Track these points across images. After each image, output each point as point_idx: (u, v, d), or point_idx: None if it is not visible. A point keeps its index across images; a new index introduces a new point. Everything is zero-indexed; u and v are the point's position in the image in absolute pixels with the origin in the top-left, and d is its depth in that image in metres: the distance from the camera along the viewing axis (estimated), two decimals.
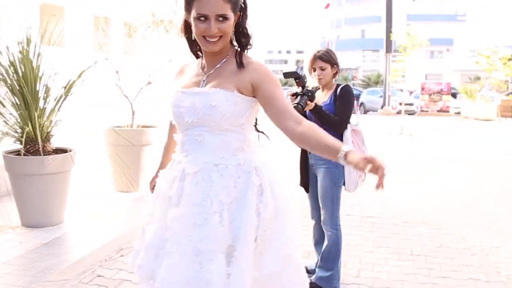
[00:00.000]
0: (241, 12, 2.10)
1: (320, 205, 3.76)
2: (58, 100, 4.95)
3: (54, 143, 5.17)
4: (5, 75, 4.73)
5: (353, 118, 3.79)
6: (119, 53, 7.76)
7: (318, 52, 3.75)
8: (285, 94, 2.36)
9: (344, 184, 3.74)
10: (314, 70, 3.74)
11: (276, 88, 2.07)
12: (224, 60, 2.13)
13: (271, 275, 2.10)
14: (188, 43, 2.20)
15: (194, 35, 2.07)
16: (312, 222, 4.02)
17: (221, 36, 2.04)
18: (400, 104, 27.37)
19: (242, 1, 2.10)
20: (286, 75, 3.53)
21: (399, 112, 26.66)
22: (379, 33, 40.92)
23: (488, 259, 4.71)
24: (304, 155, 3.86)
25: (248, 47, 2.17)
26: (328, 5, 49.55)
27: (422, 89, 28.15)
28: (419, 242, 5.12)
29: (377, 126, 18.58)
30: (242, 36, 2.15)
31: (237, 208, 2.03)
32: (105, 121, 6.67)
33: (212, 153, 2.07)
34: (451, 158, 11.30)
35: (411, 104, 28.74)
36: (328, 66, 3.72)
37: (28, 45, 4.85)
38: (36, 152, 4.81)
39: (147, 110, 7.25)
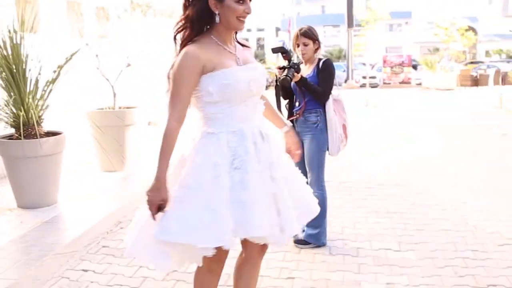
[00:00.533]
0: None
1: (307, 169, 4.11)
2: (48, 85, 5.12)
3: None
4: None
5: (334, 89, 4.14)
6: (94, 37, 7.88)
7: (301, 29, 4.08)
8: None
9: (328, 149, 4.09)
10: (298, 46, 4.07)
11: None
12: (234, 41, 2.44)
13: None
14: (197, 26, 2.33)
15: (220, 18, 2.29)
16: None
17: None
18: (364, 77, 28.00)
19: None
20: (274, 50, 3.84)
21: (363, 86, 27.26)
22: (339, 9, 41.37)
23: (457, 212, 5.16)
24: (291, 123, 4.19)
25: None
26: None
27: (384, 62, 28.79)
28: (394, 202, 5.54)
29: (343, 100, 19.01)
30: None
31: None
32: (88, 104, 6.85)
33: (263, 118, 2.51)
34: (418, 125, 11.82)
35: (374, 77, 29.40)
36: (310, 42, 4.06)
37: (14, 32, 5.00)
38: (29, 136, 4.99)
39: (128, 92, 7.45)
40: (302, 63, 4.11)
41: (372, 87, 27.10)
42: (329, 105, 4.06)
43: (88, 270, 3.69)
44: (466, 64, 35.78)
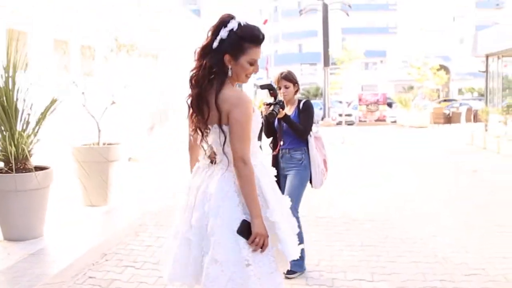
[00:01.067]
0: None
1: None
2: (38, 122, 5.34)
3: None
4: None
5: (314, 127, 4.51)
6: (80, 75, 8.14)
7: (282, 73, 4.51)
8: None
9: (311, 183, 4.50)
10: (280, 88, 4.41)
11: None
12: None
13: None
14: (208, 74, 2.63)
15: (232, 72, 2.62)
16: None
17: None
18: (340, 115, 28.58)
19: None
20: (263, 87, 4.26)
21: (339, 123, 27.81)
22: (316, 47, 42.31)
23: (427, 246, 5.44)
24: (275, 159, 4.49)
25: None
26: (266, 21, 50.72)
27: (360, 100, 29.44)
28: (368, 236, 5.80)
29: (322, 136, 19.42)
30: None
31: None
32: (74, 139, 7.04)
33: None
34: (394, 163, 12.20)
35: (350, 115, 30.05)
36: (291, 85, 4.48)
37: (6, 71, 5.23)
38: (18, 170, 5.17)
39: (111, 128, 7.66)
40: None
41: (348, 124, 27.69)
42: (312, 143, 4.46)
43: None
44: (439, 102, 36.76)
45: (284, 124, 4.44)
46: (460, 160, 12.56)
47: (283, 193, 4.41)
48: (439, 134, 21.29)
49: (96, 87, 7.39)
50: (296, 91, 4.54)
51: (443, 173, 10.58)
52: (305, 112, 4.47)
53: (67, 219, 6.26)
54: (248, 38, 2.60)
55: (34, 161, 5.59)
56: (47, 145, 6.75)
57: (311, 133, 4.49)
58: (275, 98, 4.24)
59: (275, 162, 4.52)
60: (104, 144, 7.09)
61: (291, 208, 4.40)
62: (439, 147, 15.82)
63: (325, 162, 4.61)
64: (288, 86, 4.45)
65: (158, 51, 7.39)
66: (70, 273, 4.39)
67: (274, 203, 2.68)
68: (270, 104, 4.25)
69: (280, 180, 4.49)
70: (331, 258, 5.01)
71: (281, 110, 4.24)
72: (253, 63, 2.65)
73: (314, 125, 4.57)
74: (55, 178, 6.73)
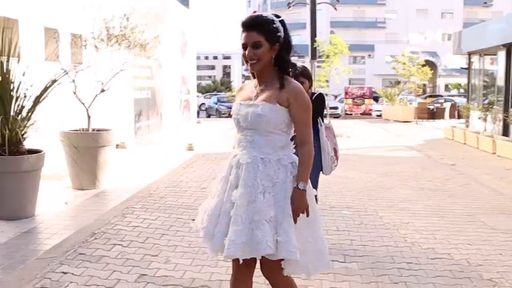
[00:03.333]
0: (281, 46, 2.86)
1: None
2: (32, 107, 5.59)
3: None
4: None
5: (326, 119, 5.04)
6: (70, 63, 8.36)
7: (299, 69, 4.83)
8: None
9: (322, 169, 4.92)
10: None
11: (301, 111, 2.85)
12: (270, 81, 2.88)
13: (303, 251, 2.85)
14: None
15: None
16: None
17: (258, 60, 2.80)
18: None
19: (282, 38, 2.84)
20: None
21: (324, 116, 28.14)
22: (304, 40, 42.59)
23: (398, 232, 5.78)
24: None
25: (289, 72, 2.93)
26: (254, 12, 50.57)
27: (346, 93, 29.84)
28: (343, 222, 6.13)
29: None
30: (283, 64, 2.89)
31: (280, 190, 2.80)
32: (64, 125, 7.29)
33: (259, 149, 2.84)
34: (370, 154, 12.57)
35: (336, 108, 30.43)
36: (306, 81, 4.83)
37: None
38: (11, 153, 5.42)
39: (102, 115, 7.91)
40: None
41: (334, 117, 28.06)
42: (322, 131, 4.87)
43: (68, 273, 4.13)
44: (425, 98, 37.29)
45: None
46: (439, 154, 12.95)
47: None
48: (421, 129, 21.73)
49: (86, 76, 7.61)
50: (310, 86, 4.93)
51: (422, 165, 10.94)
52: (317, 104, 4.84)
53: (57, 201, 6.53)
54: (241, 25, 2.86)
55: (28, 145, 5.85)
56: (41, 130, 7.02)
57: (322, 123, 4.91)
58: None
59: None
60: (93, 130, 7.34)
61: None
62: (420, 141, 16.22)
63: (335, 150, 5.06)
64: (304, 82, 4.76)
65: (146, 41, 7.57)
66: (62, 249, 4.66)
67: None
68: None
69: None
70: None
71: None
72: (243, 47, 2.84)
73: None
74: (48, 161, 7.02)
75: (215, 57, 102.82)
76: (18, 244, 4.81)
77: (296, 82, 2.91)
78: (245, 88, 3.05)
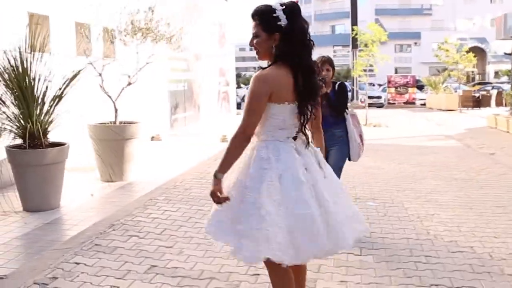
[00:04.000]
0: (283, 35, 2.80)
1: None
2: (54, 101, 5.72)
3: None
4: (7, 78, 5.49)
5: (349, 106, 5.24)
6: (100, 57, 8.51)
7: (324, 57, 5.03)
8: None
9: (349, 157, 5.15)
10: (322, 70, 4.90)
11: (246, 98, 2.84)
12: None
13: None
14: None
15: None
16: None
17: (258, 49, 2.87)
18: (370, 97, 28.50)
19: (285, 26, 2.79)
20: None
21: (370, 105, 27.74)
22: (348, 29, 42.03)
23: (422, 224, 5.63)
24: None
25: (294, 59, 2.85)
26: (297, 2, 50.32)
27: (389, 82, 29.32)
28: (366, 213, 6.01)
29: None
30: (287, 53, 2.83)
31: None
32: (91, 118, 7.44)
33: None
34: (406, 143, 12.31)
35: (379, 97, 29.92)
36: (331, 69, 5.01)
37: (25, 51, 5.61)
38: (35, 146, 5.57)
39: (137, 108, 8.04)
40: None
41: (377, 107, 27.58)
42: (349, 120, 5.07)
43: (80, 263, 4.21)
44: (473, 85, 36.22)
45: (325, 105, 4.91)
46: (479, 143, 12.57)
47: None
48: (465, 117, 21.13)
49: (114, 69, 7.74)
50: (332, 75, 5.07)
51: (458, 155, 10.64)
52: (341, 93, 5.06)
53: (84, 193, 6.67)
54: None
55: (55, 137, 5.99)
56: (69, 123, 7.20)
57: (347, 111, 5.08)
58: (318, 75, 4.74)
59: None
60: (120, 123, 7.45)
61: None
62: (461, 130, 15.79)
63: (361, 137, 5.22)
64: (329, 69, 4.96)
65: (171, 35, 7.62)
66: (79, 240, 4.76)
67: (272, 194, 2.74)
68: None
69: None
70: None
71: (323, 87, 4.68)
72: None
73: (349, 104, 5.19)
74: (77, 154, 7.20)
75: None
76: (38, 235, 4.95)
77: (264, 70, 2.84)
78: None
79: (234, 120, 19.60)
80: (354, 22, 23.61)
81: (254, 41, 2.87)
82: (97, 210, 5.92)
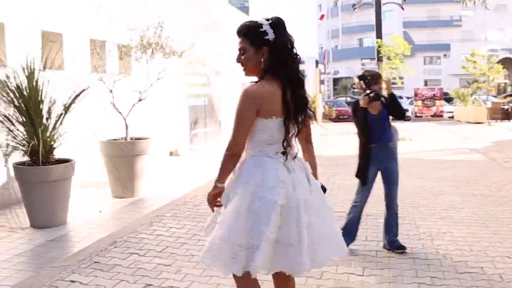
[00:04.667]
0: (272, 48, 2.81)
1: (388, 184, 5.28)
2: (59, 118, 5.76)
3: (60, 154, 5.97)
4: (12, 97, 5.56)
5: None
6: (114, 73, 8.58)
7: (378, 73, 5.44)
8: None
9: None
10: (375, 84, 5.04)
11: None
12: None
13: None
14: None
15: None
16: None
17: (245, 65, 2.86)
18: None
19: (273, 40, 2.80)
20: (360, 77, 5.05)
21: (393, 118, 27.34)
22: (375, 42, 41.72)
23: (432, 242, 5.45)
24: (368, 151, 5.05)
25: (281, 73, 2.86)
26: (323, 16, 50.40)
27: (416, 95, 28.91)
28: (374, 230, 5.87)
29: None
30: (274, 65, 2.83)
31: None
32: (102, 134, 7.49)
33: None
34: (426, 158, 12.04)
35: (406, 110, 29.44)
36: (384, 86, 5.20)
37: (32, 70, 5.68)
38: (40, 163, 5.61)
39: (140, 124, 8.06)
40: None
41: (404, 120, 27.11)
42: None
43: (75, 281, 4.18)
44: (505, 97, 35.42)
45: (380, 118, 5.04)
46: (505, 156, 12.23)
47: (370, 188, 5.27)
48: (493, 130, 20.64)
49: (126, 85, 7.79)
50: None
51: (481, 169, 10.35)
52: (393, 101, 5.05)
53: (93, 209, 6.68)
54: None
55: (68, 154, 6.04)
56: (83, 139, 7.27)
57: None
58: (369, 88, 4.90)
59: (369, 156, 5.04)
60: (131, 139, 7.47)
61: (395, 191, 5.28)
62: (487, 143, 15.41)
63: None
64: (383, 86, 5.15)
65: (182, 50, 7.65)
66: (78, 258, 4.74)
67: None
68: (367, 94, 4.88)
69: (370, 173, 5.10)
70: None
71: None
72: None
73: None
74: (91, 170, 7.25)
75: None
76: (40, 252, 4.96)
77: (252, 86, 2.82)
78: None
79: None
80: (379, 35, 23.35)
81: (242, 57, 2.86)
82: (102, 227, 5.91)
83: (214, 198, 2.87)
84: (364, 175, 5.16)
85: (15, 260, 4.74)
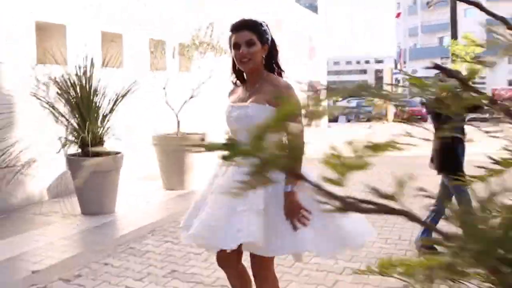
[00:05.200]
0: (270, 47, 2.98)
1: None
2: (108, 114, 6.19)
3: (117, 148, 6.38)
4: (64, 94, 6.04)
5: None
6: (170, 71, 9.00)
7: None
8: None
9: None
10: None
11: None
12: (260, 82, 2.96)
13: None
14: (236, 74, 3.07)
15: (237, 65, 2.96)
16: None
17: (250, 58, 2.86)
18: None
19: (270, 39, 2.96)
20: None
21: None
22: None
23: None
24: (452, 145, 4.94)
25: (281, 72, 3.03)
26: (399, 14, 49.25)
27: (493, 95, 27.78)
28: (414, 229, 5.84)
29: None
30: (272, 64, 3.01)
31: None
32: (155, 129, 7.89)
33: None
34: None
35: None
36: None
37: (91, 68, 6.15)
38: (89, 154, 6.03)
39: (192, 120, 8.40)
40: None
41: (481, 121, 26.16)
42: None
43: (108, 264, 4.52)
44: None
45: None
46: None
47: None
48: None
49: (181, 82, 8.15)
50: None
51: None
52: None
53: (143, 200, 7.06)
54: (230, 28, 2.98)
55: (128, 147, 6.46)
56: (142, 134, 7.70)
57: None
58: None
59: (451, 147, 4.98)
60: (183, 134, 7.80)
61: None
62: None
63: None
64: None
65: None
66: (117, 243, 5.10)
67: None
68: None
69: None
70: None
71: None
72: (235, 48, 2.89)
73: None
74: (143, 162, 7.65)
75: (367, 62, 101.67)
76: (84, 236, 5.36)
77: (283, 80, 2.98)
78: (235, 91, 3.14)
79: (322, 134, 19.58)
80: (454, 33, 22.62)
81: (251, 49, 2.86)
82: (147, 216, 6.26)
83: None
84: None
85: (61, 242, 5.15)
